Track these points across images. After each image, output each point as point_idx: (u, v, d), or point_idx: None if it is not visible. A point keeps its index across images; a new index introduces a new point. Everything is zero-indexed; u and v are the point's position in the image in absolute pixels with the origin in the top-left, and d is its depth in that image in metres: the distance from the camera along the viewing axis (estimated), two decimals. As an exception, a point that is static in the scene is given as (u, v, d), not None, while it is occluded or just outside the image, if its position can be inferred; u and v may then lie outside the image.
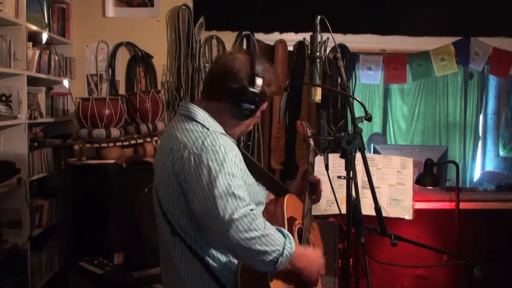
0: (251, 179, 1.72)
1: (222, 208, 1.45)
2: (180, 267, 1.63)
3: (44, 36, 3.24)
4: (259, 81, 1.62)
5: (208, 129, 1.60)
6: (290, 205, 1.81)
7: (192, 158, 1.51)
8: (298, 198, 1.95)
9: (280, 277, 1.59)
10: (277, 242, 1.48)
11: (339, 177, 1.74)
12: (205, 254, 1.60)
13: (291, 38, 3.78)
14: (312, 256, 1.67)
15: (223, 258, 1.62)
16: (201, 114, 1.64)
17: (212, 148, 1.51)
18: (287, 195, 1.85)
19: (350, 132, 1.67)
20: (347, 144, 1.64)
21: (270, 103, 3.77)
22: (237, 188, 1.49)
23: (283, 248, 1.49)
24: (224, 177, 1.48)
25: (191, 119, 1.63)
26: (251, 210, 1.49)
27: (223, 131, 1.66)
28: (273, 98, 3.75)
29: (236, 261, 1.63)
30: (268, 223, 1.52)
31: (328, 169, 1.89)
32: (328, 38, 1.82)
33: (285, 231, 1.57)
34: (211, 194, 1.46)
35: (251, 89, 1.61)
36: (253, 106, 1.64)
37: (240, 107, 1.63)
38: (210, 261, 1.60)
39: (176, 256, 1.63)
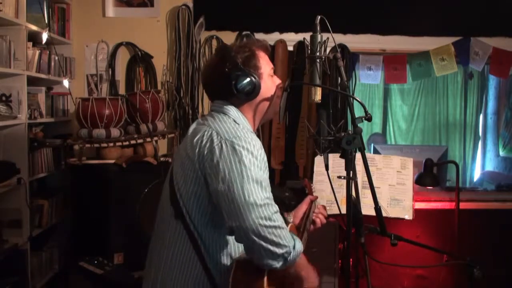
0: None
1: (249, 192, 1.47)
2: (171, 248, 1.63)
3: (44, 36, 3.24)
4: (234, 61, 1.66)
5: (238, 124, 1.64)
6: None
7: (223, 143, 1.54)
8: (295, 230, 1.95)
9: (275, 285, 1.58)
10: (289, 239, 1.50)
11: (339, 177, 1.74)
12: (202, 242, 1.60)
13: (291, 38, 3.78)
14: (313, 273, 1.66)
15: (220, 257, 1.62)
16: (233, 111, 1.68)
17: (245, 138, 1.55)
18: (290, 225, 1.84)
19: (350, 132, 1.67)
20: (347, 144, 1.65)
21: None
22: (264, 180, 1.53)
23: (294, 245, 1.51)
24: (253, 167, 1.51)
25: (224, 113, 1.67)
26: (274, 203, 1.52)
27: (252, 130, 1.69)
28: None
29: (230, 263, 1.62)
30: (284, 223, 1.53)
31: (328, 169, 1.89)
32: (328, 38, 1.82)
33: (294, 235, 1.57)
34: (239, 178, 1.49)
35: (227, 69, 1.65)
36: (248, 78, 1.65)
37: (239, 89, 1.65)
38: (204, 249, 1.60)
39: (171, 237, 1.63)
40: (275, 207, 1.51)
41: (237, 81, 1.65)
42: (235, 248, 1.63)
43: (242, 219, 1.46)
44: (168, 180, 1.70)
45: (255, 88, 1.67)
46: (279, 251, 1.47)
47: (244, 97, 1.67)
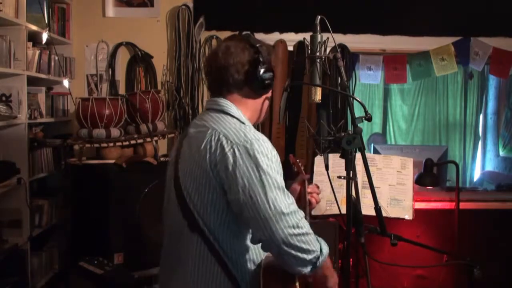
0: None
1: (273, 200, 1.41)
2: (191, 264, 1.53)
3: (44, 36, 3.24)
4: (262, 50, 1.59)
5: (244, 123, 1.56)
6: None
7: (235, 149, 1.45)
8: None
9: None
10: (316, 243, 1.48)
11: (339, 177, 1.74)
12: (224, 253, 1.52)
13: (291, 38, 3.78)
14: (334, 273, 1.64)
15: (244, 264, 1.56)
16: (234, 109, 1.59)
17: (256, 141, 1.47)
18: None
19: (350, 132, 1.67)
20: (347, 144, 1.65)
21: (270, 103, 3.76)
22: (283, 184, 1.47)
23: (321, 249, 1.49)
24: (272, 171, 1.44)
25: (226, 113, 1.57)
26: (298, 208, 1.48)
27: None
28: (273, 98, 3.75)
29: (257, 267, 1.58)
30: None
31: (328, 169, 1.89)
32: (328, 38, 1.82)
33: (319, 237, 1.55)
34: (260, 186, 1.42)
35: (261, 58, 1.58)
36: (271, 73, 1.60)
37: (260, 78, 1.58)
38: (228, 260, 1.52)
39: (190, 253, 1.53)
40: (301, 213, 1.48)
41: (264, 71, 1.57)
42: (256, 253, 1.59)
43: (271, 231, 1.41)
44: (172, 191, 1.59)
45: (271, 84, 1.62)
46: (308, 257, 1.45)
47: (261, 88, 1.60)
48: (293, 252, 1.43)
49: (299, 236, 1.43)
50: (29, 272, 3.06)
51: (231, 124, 1.53)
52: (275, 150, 1.51)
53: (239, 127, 1.52)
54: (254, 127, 1.60)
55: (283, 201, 1.43)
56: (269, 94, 1.70)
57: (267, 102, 1.70)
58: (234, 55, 1.58)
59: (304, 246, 1.43)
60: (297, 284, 1.55)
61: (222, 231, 1.51)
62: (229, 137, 1.48)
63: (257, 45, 1.59)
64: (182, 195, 1.54)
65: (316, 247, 1.47)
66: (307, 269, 1.48)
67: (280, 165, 1.51)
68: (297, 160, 2.08)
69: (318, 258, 1.47)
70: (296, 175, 2.01)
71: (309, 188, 1.96)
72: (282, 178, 1.48)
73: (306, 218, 1.78)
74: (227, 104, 1.59)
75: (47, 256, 3.39)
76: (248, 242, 1.56)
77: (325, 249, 1.51)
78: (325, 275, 1.58)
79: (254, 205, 1.42)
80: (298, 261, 1.45)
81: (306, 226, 1.46)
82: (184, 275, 1.54)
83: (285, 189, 1.47)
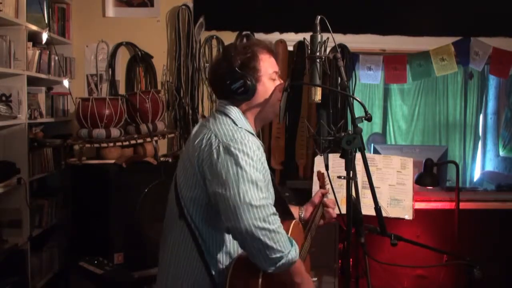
0: (270, 183, 1.75)
1: (244, 192, 1.51)
2: (172, 246, 1.70)
3: (44, 36, 3.24)
4: (231, 63, 1.71)
5: (237, 125, 1.68)
6: (294, 231, 1.80)
7: (220, 146, 1.59)
8: (302, 227, 1.95)
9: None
10: (285, 244, 1.52)
11: (339, 177, 1.74)
12: (203, 241, 1.65)
13: (291, 38, 3.78)
14: (308, 280, 1.66)
15: (220, 255, 1.66)
16: (235, 112, 1.72)
17: (241, 140, 1.59)
18: (294, 221, 1.84)
19: (350, 132, 1.67)
20: (347, 144, 1.64)
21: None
22: (260, 180, 1.56)
23: (288, 253, 1.52)
24: (249, 168, 1.55)
25: (225, 114, 1.72)
26: (271, 204, 1.55)
27: (252, 131, 1.72)
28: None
29: (231, 259, 1.66)
30: (282, 226, 1.55)
31: (328, 169, 1.89)
32: (328, 38, 1.82)
33: (294, 241, 1.59)
34: (235, 179, 1.53)
35: (227, 70, 1.71)
36: (241, 80, 1.69)
37: (233, 90, 1.70)
38: (205, 248, 1.65)
39: (176, 236, 1.69)
40: (272, 209, 1.53)
41: (231, 82, 1.70)
42: (233, 246, 1.67)
43: (237, 220, 1.49)
44: (173, 181, 1.76)
45: (248, 90, 1.71)
46: (270, 255, 1.49)
47: (237, 97, 1.72)
48: (255, 244, 1.49)
49: (265, 231, 1.48)
50: (29, 272, 3.06)
51: (225, 125, 1.67)
52: (260, 151, 1.63)
53: (231, 127, 1.66)
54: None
55: (254, 194, 1.52)
56: (276, 90, 1.76)
57: (276, 96, 1.77)
58: (215, 70, 1.77)
59: (268, 242, 1.48)
60: (260, 280, 1.56)
61: (202, 222, 1.65)
62: (218, 136, 1.63)
63: (232, 56, 1.72)
64: (176, 185, 1.71)
65: (284, 248, 1.51)
66: (267, 267, 1.52)
67: (264, 165, 1.64)
68: (323, 175, 2.21)
69: (280, 259, 1.50)
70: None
71: (327, 201, 2.07)
72: (260, 175, 1.58)
73: (309, 233, 1.83)
74: (229, 107, 1.74)
75: (47, 256, 3.40)
76: (226, 235, 1.66)
77: (293, 255, 1.54)
78: (293, 282, 1.60)
79: (226, 195, 1.53)
80: (259, 254, 1.50)
81: (276, 224, 1.52)
82: (169, 258, 1.71)
83: (260, 185, 1.55)
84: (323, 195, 2.10)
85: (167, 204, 1.79)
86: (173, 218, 1.71)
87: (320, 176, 2.25)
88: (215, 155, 1.58)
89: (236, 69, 1.70)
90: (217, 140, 1.61)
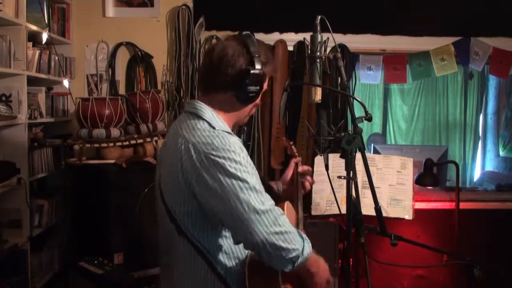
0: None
1: (246, 201, 1.43)
2: (181, 266, 1.59)
3: (44, 36, 3.24)
4: (257, 61, 1.57)
5: (214, 128, 1.54)
6: (289, 212, 1.80)
7: (203, 158, 1.47)
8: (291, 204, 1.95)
9: (289, 281, 1.59)
10: (298, 241, 1.48)
11: (339, 177, 1.74)
12: (209, 253, 1.56)
13: (291, 38, 3.78)
14: (324, 265, 1.65)
15: (229, 262, 1.59)
16: (208, 112, 1.59)
17: (223, 147, 1.48)
18: (286, 202, 1.84)
19: (350, 132, 1.66)
20: (347, 144, 1.64)
21: (270, 102, 3.77)
22: (256, 184, 1.48)
23: (303, 248, 1.49)
24: (241, 173, 1.46)
25: (198, 117, 1.57)
26: (273, 204, 1.49)
27: (229, 130, 1.60)
28: (272, 98, 3.76)
29: (241, 263, 1.61)
30: (291, 224, 1.51)
31: (328, 169, 1.89)
32: (328, 38, 1.82)
33: (302, 233, 1.56)
34: (232, 191, 1.44)
35: (252, 70, 1.56)
36: (258, 87, 1.59)
37: (245, 90, 1.57)
38: (213, 259, 1.56)
39: (180, 254, 1.58)
40: (278, 210, 1.49)
41: (250, 83, 1.56)
42: (240, 250, 1.61)
43: (249, 233, 1.43)
44: (158, 193, 1.62)
45: (253, 98, 1.61)
46: (287, 256, 1.46)
47: (243, 98, 1.60)
48: (272, 251, 1.44)
49: (278, 235, 1.44)
50: (29, 272, 3.06)
51: (200, 131, 1.53)
52: (244, 151, 1.52)
53: (208, 133, 1.51)
54: (250, 125, 1.61)
55: (256, 199, 1.45)
56: (257, 102, 1.68)
57: (253, 109, 1.71)
58: (228, 57, 1.57)
59: (283, 245, 1.44)
60: (280, 279, 1.56)
61: (203, 235, 1.55)
62: (196, 145, 1.49)
63: (256, 55, 1.57)
64: (164, 199, 1.58)
65: (298, 245, 1.47)
66: (286, 268, 1.49)
67: (252, 164, 1.52)
68: (290, 143, 2.16)
69: (298, 257, 1.48)
70: (290, 158, 2.11)
71: (301, 169, 2.01)
72: (254, 177, 1.49)
73: (298, 202, 1.80)
74: (201, 107, 1.59)
75: (47, 256, 3.39)
76: (231, 242, 1.58)
77: (307, 249, 1.51)
78: (309, 272, 1.59)
79: (230, 211, 1.44)
80: (277, 259, 1.46)
81: (285, 224, 1.47)
82: (177, 276, 1.60)
83: (259, 188, 1.48)
84: (296, 164, 2.02)
85: (157, 214, 1.66)
86: (171, 235, 1.58)
87: (287, 144, 2.15)
88: (200, 170, 1.46)
89: (264, 72, 1.57)
90: (196, 151, 1.48)
